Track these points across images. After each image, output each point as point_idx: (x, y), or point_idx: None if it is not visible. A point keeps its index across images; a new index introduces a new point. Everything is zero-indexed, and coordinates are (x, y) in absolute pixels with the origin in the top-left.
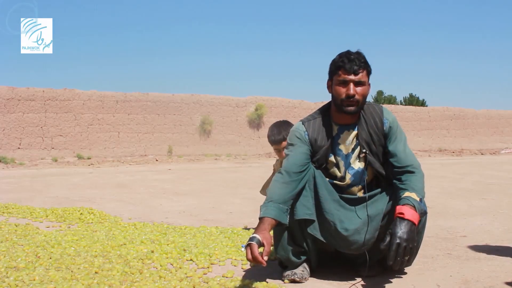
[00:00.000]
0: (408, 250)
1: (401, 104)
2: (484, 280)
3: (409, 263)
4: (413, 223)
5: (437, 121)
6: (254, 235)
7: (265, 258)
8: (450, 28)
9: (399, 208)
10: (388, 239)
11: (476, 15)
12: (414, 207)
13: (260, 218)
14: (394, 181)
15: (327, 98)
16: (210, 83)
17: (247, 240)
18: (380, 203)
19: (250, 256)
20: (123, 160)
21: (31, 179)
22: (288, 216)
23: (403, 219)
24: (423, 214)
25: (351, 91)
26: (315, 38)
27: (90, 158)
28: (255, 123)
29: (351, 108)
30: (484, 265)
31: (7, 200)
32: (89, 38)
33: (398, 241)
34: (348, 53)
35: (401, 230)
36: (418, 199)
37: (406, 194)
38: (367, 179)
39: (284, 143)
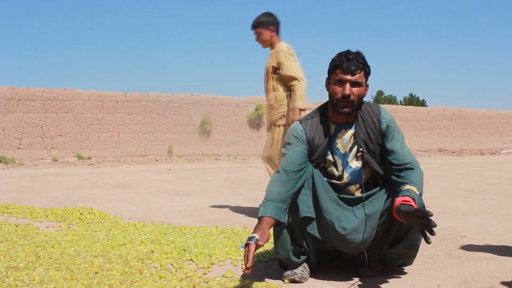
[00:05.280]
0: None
1: (401, 104)
2: (484, 280)
3: (409, 262)
4: None
5: (437, 121)
6: (253, 234)
7: (260, 243)
8: (450, 28)
9: (400, 199)
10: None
11: (475, 15)
12: (414, 199)
13: (259, 218)
14: (393, 177)
15: (326, 97)
16: (210, 83)
17: (246, 239)
18: (378, 201)
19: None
20: (123, 160)
21: (31, 179)
22: (286, 215)
23: (407, 204)
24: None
25: (347, 91)
26: (314, 37)
27: (90, 158)
28: (255, 123)
29: (346, 110)
30: (484, 265)
31: (7, 200)
32: (89, 38)
33: (419, 206)
34: (347, 53)
35: (410, 207)
36: (418, 193)
37: (407, 187)
38: (364, 178)
39: (258, 30)
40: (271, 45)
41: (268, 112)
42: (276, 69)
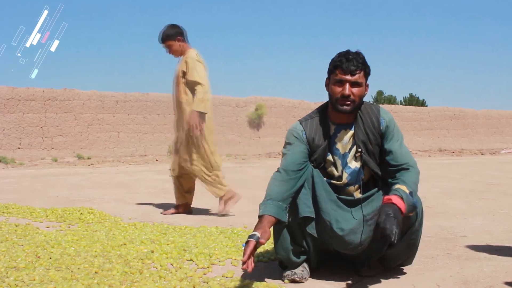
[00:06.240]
0: (393, 223)
1: (401, 104)
2: (484, 280)
3: (408, 262)
4: (399, 208)
5: (437, 121)
6: (254, 232)
7: (262, 241)
8: (450, 28)
9: (386, 198)
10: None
11: (475, 15)
12: (402, 197)
13: (260, 216)
14: (389, 179)
15: (327, 98)
16: (210, 83)
17: (247, 238)
18: (376, 202)
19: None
20: (123, 160)
21: (31, 179)
22: (287, 214)
23: (389, 203)
24: (412, 206)
25: (346, 91)
26: (315, 38)
27: (90, 158)
28: (255, 123)
29: (346, 108)
30: (484, 265)
31: (7, 200)
32: (89, 38)
33: (387, 213)
34: (347, 53)
35: (387, 208)
36: (407, 191)
37: (396, 186)
38: (363, 179)
39: (168, 43)
40: (181, 53)
41: (181, 117)
42: (185, 74)
